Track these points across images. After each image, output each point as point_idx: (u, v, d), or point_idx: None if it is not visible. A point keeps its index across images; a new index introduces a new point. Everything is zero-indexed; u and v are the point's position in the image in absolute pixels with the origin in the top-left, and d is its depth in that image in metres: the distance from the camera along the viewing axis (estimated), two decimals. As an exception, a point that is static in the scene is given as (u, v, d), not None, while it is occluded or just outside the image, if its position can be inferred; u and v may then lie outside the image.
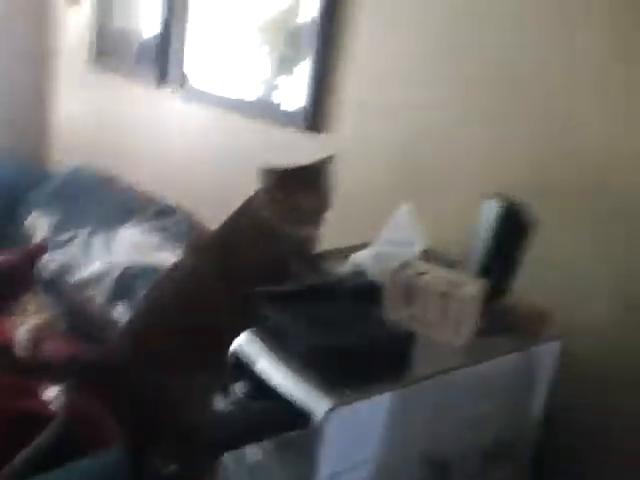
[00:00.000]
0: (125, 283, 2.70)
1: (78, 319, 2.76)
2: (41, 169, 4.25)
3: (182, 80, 3.15)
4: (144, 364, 1.73)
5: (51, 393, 2.19)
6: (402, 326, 1.44)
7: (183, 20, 3.11)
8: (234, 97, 2.88)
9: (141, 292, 2.52)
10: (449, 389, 1.40)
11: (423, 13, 2.12)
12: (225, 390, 1.42)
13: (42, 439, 1.97)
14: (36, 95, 4.38)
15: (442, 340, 1.46)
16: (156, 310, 1.88)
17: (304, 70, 2.50)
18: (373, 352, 1.34)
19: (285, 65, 2.66)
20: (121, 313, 2.59)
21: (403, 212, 1.76)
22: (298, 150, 2.44)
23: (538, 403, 1.61)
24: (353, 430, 1.28)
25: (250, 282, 1.55)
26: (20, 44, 4.23)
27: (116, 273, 2.77)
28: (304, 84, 2.49)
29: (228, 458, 1.44)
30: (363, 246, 1.76)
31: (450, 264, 1.66)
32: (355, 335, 1.37)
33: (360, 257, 1.71)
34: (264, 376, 1.35)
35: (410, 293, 1.48)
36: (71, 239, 3.24)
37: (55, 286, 3.01)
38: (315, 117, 2.47)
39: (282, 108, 2.67)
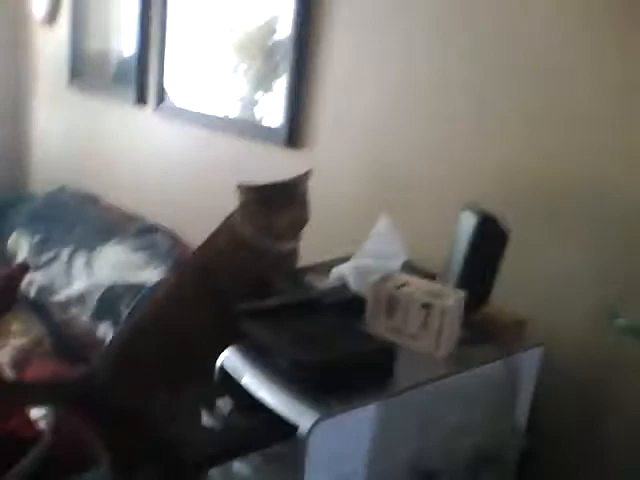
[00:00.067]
0: (108, 302, 2.69)
1: (62, 339, 2.76)
2: (21, 190, 4.24)
3: (161, 98, 3.16)
4: (128, 383, 1.73)
5: (36, 413, 2.19)
6: (384, 338, 1.46)
7: (162, 38, 3.12)
8: (213, 114, 2.89)
9: (124, 311, 2.53)
10: (433, 399, 1.41)
11: (398, 30, 2.14)
12: (211, 406, 1.43)
13: (28, 460, 1.97)
14: (14, 117, 4.37)
15: (424, 351, 1.47)
16: (139, 328, 1.89)
17: (282, 86, 2.51)
18: (356, 365, 1.36)
19: (263, 82, 2.67)
20: (105, 332, 2.59)
21: (383, 225, 1.78)
22: (277, 166, 2.44)
23: (521, 411, 1.62)
24: (339, 442, 1.28)
25: (232, 298, 1.57)
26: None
27: (99, 292, 2.76)
28: (281, 101, 2.50)
29: (215, 473, 1.45)
30: (344, 260, 1.77)
31: (429, 276, 1.68)
32: (338, 348, 1.38)
33: (341, 270, 1.72)
34: (249, 391, 1.36)
35: (391, 305, 1.49)
36: (53, 259, 3.24)
37: (38, 306, 3.00)
38: (293, 133, 2.48)
39: (261, 125, 2.68)
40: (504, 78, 1.88)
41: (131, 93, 3.30)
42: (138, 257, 2.88)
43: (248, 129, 2.72)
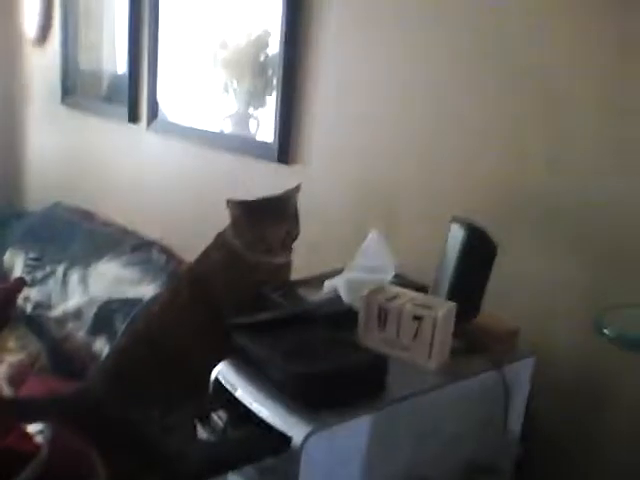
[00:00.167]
0: (104, 317, 2.70)
1: (58, 354, 2.76)
2: (16, 207, 4.24)
3: (154, 114, 3.17)
4: (124, 397, 1.74)
5: (33, 428, 2.19)
6: (377, 350, 1.47)
7: (153, 55, 3.13)
8: (206, 130, 2.91)
9: (120, 326, 2.54)
10: (426, 410, 1.42)
11: (390, 43, 2.16)
12: (206, 419, 1.44)
13: (25, 475, 1.97)
14: (8, 135, 4.38)
15: (417, 362, 1.48)
16: (134, 343, 1.90)
17: (273, 102, 2.52)
18: (349, 377, 1.36)
19: (255, 97, 2.68)
20: (101, 347, 2.59)
21: (374, 238, 1.79)
22: (270, 182, 2.45)
23: (515, 419, 1.62)
24: (332, 454, 1.29)
25: (227, 312, 1.58)
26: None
27: (95, 308, 2.77)
28: (273, 116, 2.51)
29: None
30: (336, 273, 1.78)
31: (420, 288, 1.69)
32: (331, 360, 1.39)
33: (334, 284, 1.73)
34: (244, 403, 1.37)
35: (383, 317, 1.51)
36: (48, 275, 3.25)
37: (34, 322, 3.00)
38: (284, 149, 2.48)
39: (254, 140, 2.69)
40: (492, 92, 1.89)
41: (124, 110, 3.31)
42: (133, 272, 2.88)
43: (241, 145, 2.73)
